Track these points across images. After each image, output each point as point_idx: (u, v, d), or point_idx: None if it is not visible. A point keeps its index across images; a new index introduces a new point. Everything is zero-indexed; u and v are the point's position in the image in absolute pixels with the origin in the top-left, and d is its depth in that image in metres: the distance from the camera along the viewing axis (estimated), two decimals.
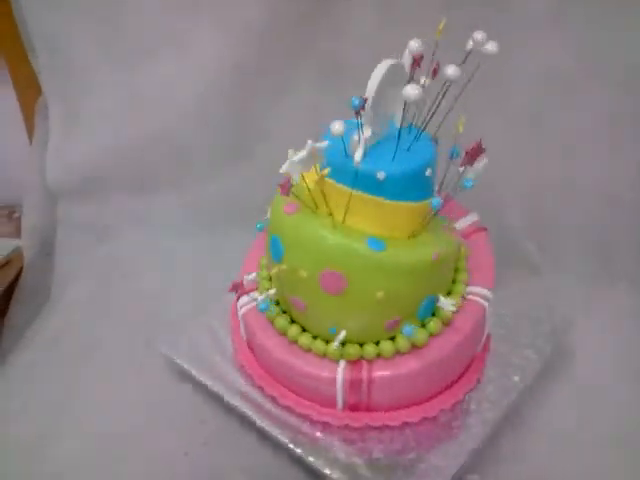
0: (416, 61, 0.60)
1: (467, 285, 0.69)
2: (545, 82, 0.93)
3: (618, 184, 0.96)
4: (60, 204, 1.09)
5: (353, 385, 0.63)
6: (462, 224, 0.74)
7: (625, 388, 0.77)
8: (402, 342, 0.63)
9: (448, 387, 0.68)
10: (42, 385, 0.82)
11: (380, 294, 0.59)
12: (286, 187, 0.59)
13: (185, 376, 0.77)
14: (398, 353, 0.64)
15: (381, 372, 0.63)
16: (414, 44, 0.60)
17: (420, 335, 0.63)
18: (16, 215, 1.14)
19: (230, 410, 0.72)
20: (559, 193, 0.97)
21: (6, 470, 0.70)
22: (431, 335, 0.64)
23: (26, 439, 0.74)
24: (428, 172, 0.61)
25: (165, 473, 0.69)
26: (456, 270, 0.70)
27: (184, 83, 1.01)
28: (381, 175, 0.58)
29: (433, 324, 0.64)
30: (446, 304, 0.63)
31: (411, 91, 0.55)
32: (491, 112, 0.93)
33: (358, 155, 0.58)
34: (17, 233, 1.09)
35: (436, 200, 0.59)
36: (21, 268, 1.02)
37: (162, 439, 0.72)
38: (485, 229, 0.74)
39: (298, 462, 0.66)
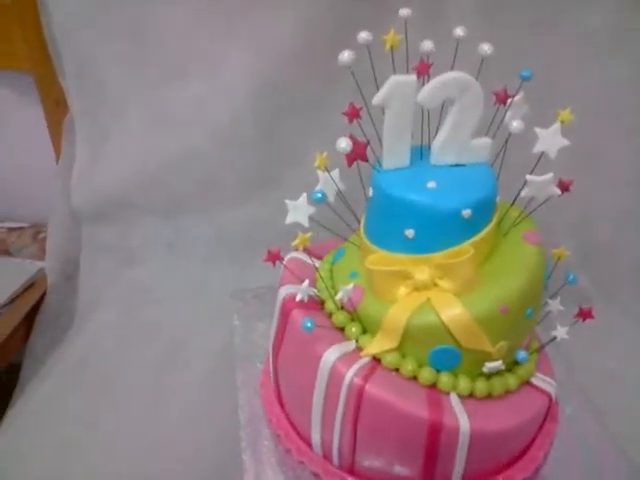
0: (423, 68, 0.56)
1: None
2: (598, 107, 0.90)
3: None
4: (85, 226, 1.06)
5: None
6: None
7: None
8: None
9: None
10: (62, 416, 0.79)
11: None
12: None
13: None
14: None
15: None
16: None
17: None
18: (42, 236, 1.10)
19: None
20: (613, 224, 0.94)
21: None
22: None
23: (43, 476, 0.72)
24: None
25: None
26: None
27: (214, 104, 0.97)
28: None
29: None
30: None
31: None
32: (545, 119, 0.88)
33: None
34: (42, 254, 1.05)
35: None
36: (44, 291, 0.99)
37: (184, 477, 0.70)
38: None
39: None
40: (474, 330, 0.54)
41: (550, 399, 0.61)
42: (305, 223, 0.57)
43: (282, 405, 0.66)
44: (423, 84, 0.55)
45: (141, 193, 1.03)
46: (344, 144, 0.55)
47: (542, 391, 0.61)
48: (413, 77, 0.54)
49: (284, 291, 0.62)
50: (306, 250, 0.68)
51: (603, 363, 0.80)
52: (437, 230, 0.55)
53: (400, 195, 0.55)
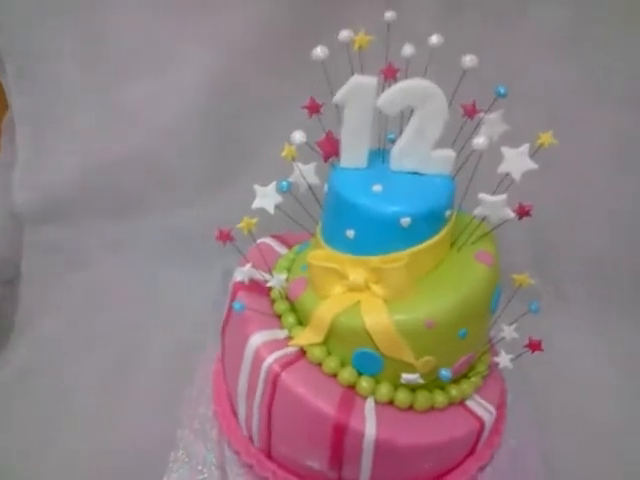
0: (390, 72, 0.55)
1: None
2: (547, 105, 0.90)
3: (622, 212, 0.96)
4: (28, 228, 1.01)
5: None
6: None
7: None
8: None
9: None
10: (3, 429, 0.74)
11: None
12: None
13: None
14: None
15: None
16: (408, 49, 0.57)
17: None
18: None
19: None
20: (561, 221, 0.94)
21: None
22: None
23: None
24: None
25: None
26: None
27: (165, 102, 0.95)
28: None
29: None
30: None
31: None
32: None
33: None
34: None
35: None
36: None
37: None
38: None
39: None
40: (395, 339, 0.53)
41: (482, 425, 0.59)
42: (270, 210, 0.58)
43: (226, 382, 0.68)
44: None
45: (89, 192, 1.00)
46: (298, 136, 0.56)
47: (475, 416, 0.59)
48: (374, 79, 0.54)
49: (237, 275, 0.63)
50: (278, 237, 0.70)
51: (552, 359, 0.78)
52: (375, 234, 0.54)
53: (344, 194, 0.55)
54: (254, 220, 0.58)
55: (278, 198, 0.59)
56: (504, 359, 0.59)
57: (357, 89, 0.54)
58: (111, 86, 0.95)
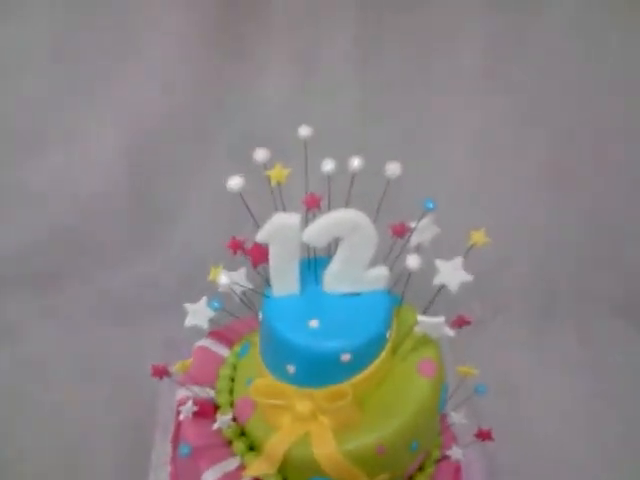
0: (312, 202, 0.52)
1: None
2: (483, 128, 0.97)
3: (559, 231, 1.02)
4: None
5: None
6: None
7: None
8: None
9: None
10: None
11: None
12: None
13: None
14: None
15: None
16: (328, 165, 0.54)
17: None
18: None
19: None
20: (500, 241, 0.96)
21: None
22: None
23: None
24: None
25: None
26: None
27: (81, 171, 0.96)
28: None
29: None
30: None
31: None
32: (428, 162, 0.95)
33: None
34: None
35: None
36: None
37: None
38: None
39: None
40: (347, 468, 0.54)
41: None
42: (204, 326, 0.57)
43: None
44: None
45: (8, 267, 1.00)
46: (224, 279, 0.53)
47: None
48: (296, 219, 0.51)
49: (180, 393, 0.62)
50: (217, 335, 0.68)
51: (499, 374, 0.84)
52: (316, 370, 0.54)
53: (280, 331, 0.54)
54: (188, 361, 0.56)
55: (210, 313, 0.57)
56: (456, 452, 0.61)
57: (280, 228, 0.52)
58: (17, 163, 0.95)
